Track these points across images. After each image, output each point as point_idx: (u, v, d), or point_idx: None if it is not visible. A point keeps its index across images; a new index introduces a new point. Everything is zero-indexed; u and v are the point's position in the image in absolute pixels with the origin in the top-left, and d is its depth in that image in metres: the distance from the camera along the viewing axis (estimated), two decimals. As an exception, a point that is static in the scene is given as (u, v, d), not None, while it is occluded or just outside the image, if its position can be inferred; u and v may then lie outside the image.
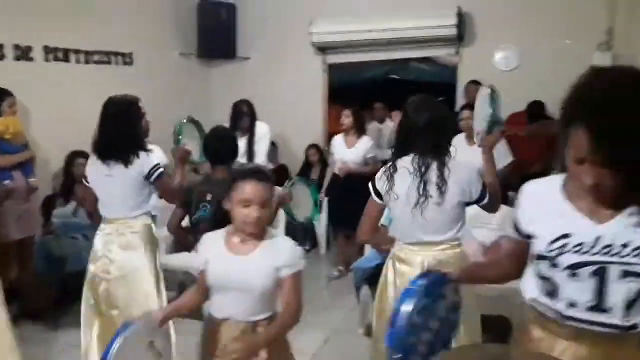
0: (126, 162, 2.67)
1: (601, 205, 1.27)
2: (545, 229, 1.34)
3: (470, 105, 4.10)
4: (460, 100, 5.32)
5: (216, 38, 5.85)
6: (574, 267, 1.28)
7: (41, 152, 4.11)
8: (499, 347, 1.52)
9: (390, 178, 2.22)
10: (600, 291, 1.27)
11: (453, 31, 5.19)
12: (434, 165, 2.15)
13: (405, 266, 2.25)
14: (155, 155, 2.86)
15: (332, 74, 5.95)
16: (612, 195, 1.24)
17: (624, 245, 1.24)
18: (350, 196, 4.54)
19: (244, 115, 4.53)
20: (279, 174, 5.14)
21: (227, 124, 4.79)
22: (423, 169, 2.15)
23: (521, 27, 5.16)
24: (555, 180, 1.37)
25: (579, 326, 1.30)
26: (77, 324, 3.61)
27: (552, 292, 1.34)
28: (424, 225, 2.19)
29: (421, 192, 2.14)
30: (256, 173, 1.84)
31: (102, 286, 2.82)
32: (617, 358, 1.30)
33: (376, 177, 2.28)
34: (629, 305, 1.26)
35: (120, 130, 2.69)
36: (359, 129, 4.60)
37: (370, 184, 2.30)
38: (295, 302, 1.83)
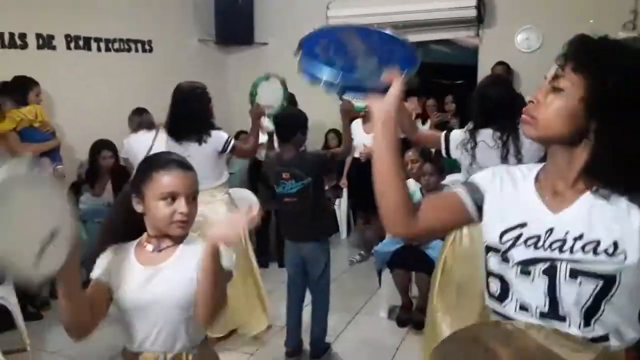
0: (200, 141, 3.04)
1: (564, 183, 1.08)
2: (498, 214, 1.15)
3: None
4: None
5: (234, 24, 5.85)
6: (525, 264, 1.08)
7: (65, 139, 4.19)
8: (515, 323, 1.31)
9: (471, 151, 2.40)
10: (553, 294, 1.05)
11: (473, 13, 5.11)
12: (511, 138, 2.33)
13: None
14: (223, 133, 3.20)
15: (350, 58, 5.91)
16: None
17: (578, 238, 1.03)
18: (370, 181, 4.57)
19: None
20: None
21: (247, 110, 4.82)
22: (505, 139, 2.34)
23: (543, 7, 5.06)
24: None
25: (532, 334, 1.04)
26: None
27: (502, 293, 1.13)
28: None
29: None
30: (177, 160, 1.48)
31: None
32: None
33: (449, 147, 2.51)
34: (588, 312, 1.03)
35: (193, 113, 3.06)
36: None
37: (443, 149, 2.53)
38: (211, 312, 1.37)
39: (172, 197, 1.40)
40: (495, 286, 1.14)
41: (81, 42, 4.53)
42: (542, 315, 1.06)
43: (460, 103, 5.07)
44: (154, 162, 1.46)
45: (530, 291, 1.07)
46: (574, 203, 1.06)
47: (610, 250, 1.00)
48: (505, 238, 1.11)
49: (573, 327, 1.04)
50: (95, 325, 1.36)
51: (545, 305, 1.06)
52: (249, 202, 4.39)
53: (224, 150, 3.15)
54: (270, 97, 3.45)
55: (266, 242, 4.80)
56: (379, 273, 3.61)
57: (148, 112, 4.24)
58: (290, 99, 3.75)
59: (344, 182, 4.77)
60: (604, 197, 1.03)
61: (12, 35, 3.98)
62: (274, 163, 3.01)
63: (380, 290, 3.71)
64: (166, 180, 1.40)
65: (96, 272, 1.42)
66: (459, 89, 6.12)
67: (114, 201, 2.14)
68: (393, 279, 3.52)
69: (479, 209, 1.18)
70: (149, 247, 1.45)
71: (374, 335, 3.41)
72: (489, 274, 1.15)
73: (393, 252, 3.42)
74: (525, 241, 1.08)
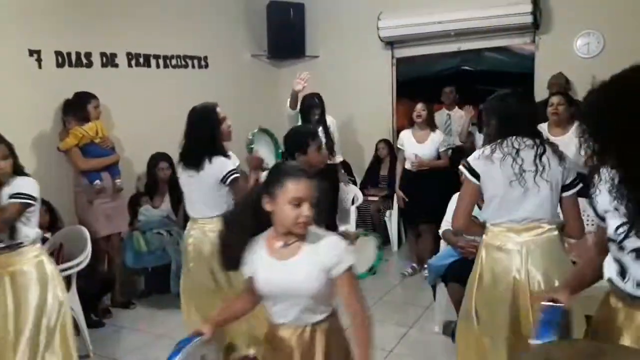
0: (197, 167, 2.77)
1: None
2: (613, 212, 1.43)
3: (562, 92, 4.15)
4: (538, 91, 5.08)
5: (286, 38, 5.95)
6: (638, 251, 1.39)
7: (124, 153, 4.38)
8: (590, 343, 1.47)
9: (490, 158, 2.24)
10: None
11: (528, 19, 4.96)
12: (532, 145, 2.22)
13: (502, 253, 2.23)
14: (232, 161, 2.86)
15: (400, 67, 5.88)
16: None
17: None
18: (421, 192, 4.51)
19: (314, 107, 4.61)
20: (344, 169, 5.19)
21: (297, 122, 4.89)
22: (540, 151, 2.23)
23: (603, 10, 4.85)
24: None
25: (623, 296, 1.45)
26: (164, 315, 3.81)
27: (622, 272, 1.46)
28: (529, 202, 2.20)
29: (539, 168, 2.19)
30: (304, 170, 1.75)
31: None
32: None
33: (472, 157, 2.30)
34: None
35: (196, 137, 2.83)
36: (431, 124, 4.56)
37: (463, 167, 2.32)
38: (357, 303, 1.69)
39: (298, 202, 1.65)
40: (617, 268, 1.47)
41: (141, 60, 4.73)
42: None
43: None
44: (286, 171, 1.72)
45: None
46: None
47: None
48: (619, 231, 1.41)
49: None
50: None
51: None
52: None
53: (223, 181, 2.78)
54: (266, 150, 3.41)
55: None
56: (434, 287, 3.53)
57: None
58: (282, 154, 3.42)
59: (399, 194, 4.71)
60: None
61: (78, 54, 4.20)
62: None
63: (434, 304, 3.63)
64: (295, 187, 1.65)
65: (246, 270, 1.77)
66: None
67: (241, 199, 2.19)
68: (448, 292, 3.44)
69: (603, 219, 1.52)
70: (279, 243, 1.72)
71: (427, 351, 3.34)
72: (613, 259, 1.49)
73: (448, 265, 3.34)
74: (637, 233, 1.37)
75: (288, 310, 1.72)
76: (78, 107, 3.91)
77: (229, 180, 2.78)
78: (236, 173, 2.81)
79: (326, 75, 5.89)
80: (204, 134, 2.81)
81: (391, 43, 5.77)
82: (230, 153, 2.92)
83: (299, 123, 4.69)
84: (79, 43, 4.19)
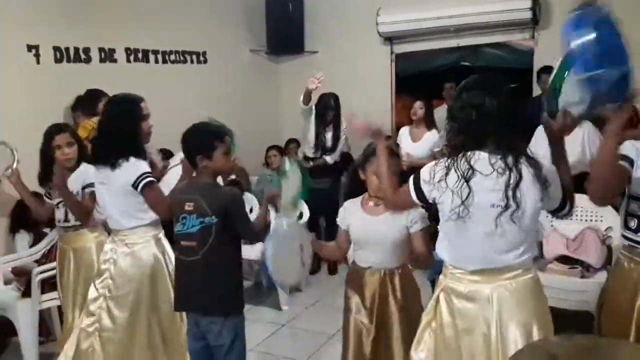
0: (113, 167, 2.43)
1: None
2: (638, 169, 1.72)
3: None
4: (537, 87, 5.09)
5: (284, 33, 5.94)
6: None
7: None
8: (588, 337, 1.57)
9: (444, 181, 1.71)
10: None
11: (527, 14, 4.96)
12: (522, 162, 1.67)
13: (469, 303, 1.77)
14: (144, 165, 2.47)
15: (400, 63, 5.87)
16: None
17: None
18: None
19: (329, 108, 4.67)
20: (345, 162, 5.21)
21: (297, 118, 4.92)
22: (509, 165, 1.64)
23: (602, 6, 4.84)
24: None
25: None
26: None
27: (636, 227, 1.75)
28: (501, 243, 1.71)
29: (505, 199, 1.64)
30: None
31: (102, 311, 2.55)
32: None
33: (423, 173, 1.78)
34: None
35: (112, 132, 2.46)
36: (428, 122, 4.55)
37: (412, 184, 1.82)
38: (427, 251, 2.18)
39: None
40: (633, 223, 1.78)
41: (140, 55, 4.72)
42: None
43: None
44: (373, 150, 2.17)
45: None
46: None
47: None
48: None
49: None
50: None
51: None
52: (299, 208, 4.43)
53: (134, 185, 2.41)
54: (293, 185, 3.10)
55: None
56: (432, 282, 3.54)
57: None
58: None
59: None
60: None
61: (76, 49, 4.20)
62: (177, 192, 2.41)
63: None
64: (376, 163, 2.12)
65: (340, 222, 2.36)
66: (514, 93, 5.94)
67: (348, 172, 2.69)
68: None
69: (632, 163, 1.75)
70: (371, 203, 2.28)
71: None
72: (629, 214, 1.79)
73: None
74: None
75: (371, 255, 2.26)
76: (88, 103, 3.92)
77: (140, 185, 2.41)
78: (149, 177, 2.43)
79: (325, 71, 5.82)
80: (124, 129, 2.44)
81: (390, 38, 5.76)
82: (153, 156, 2.68)
83: (312, 117, 4.74)
84: (77, 38, 4.18)
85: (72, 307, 2.90)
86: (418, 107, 4.53)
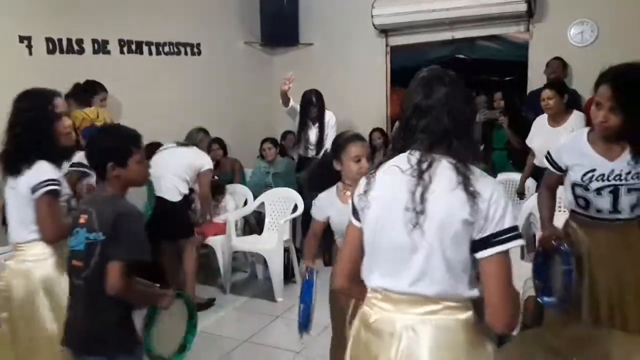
0: (17, 174, 2.12)
1: (611, 144, 2.06)
2: (579, 165, 2.12)
3: (551, 84, 3.95)
4: (532, 80, 5.10)
5: (279, 25, 5.91)
6: (598, 190, 2.08)
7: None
8: (581, 327, 1.60)
9: (369, 183, 1.44)
10: (615, 201, 2.07)
11: (523, 7, 4.95)
12: (443, 164, 1.34)
13: (372, 335, 1.41)
14: (51, 171, 2.12)
15: (395, 56, 5.87)
16: (616, 135, 2.00)
17: (627, 173, 2.04)
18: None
19: (312, 105, 4.66)
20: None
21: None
22: (425, 166, 1.34)
23: (597, -1, 4.85)
24: (581, 134, 2.18)
25: (603, 222, 2.12)
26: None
27: (585, 205, 2.13)
28: (414, 264, 1.35)
29: (416, 202, 1.32)
30: (358, 135, 2.37)
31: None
32: (625, 235, 2.12)
33: (359, 186, 1.49)
34: (632, 207, 2.07)
35: (20, 132, 2.15)
36: None
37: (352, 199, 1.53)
38: None
39: (358, 159, 2.26)
40: (582, 202, 2.14)
41: (134, 46, 4.69)
42: (609, 212, 2.09)
43: (510, 100, 4.94)
44: (346, 138, 2.32)
45: (603, 202, 2.09)
46: (619, 156, 2.07)
47: None
48: (584, 178, 2.10)
49: (624, 214, 2.09)
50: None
51: (610, 207, 2.09)
52: (293, 201, 4.44)
53: (33, 191, 2.07)
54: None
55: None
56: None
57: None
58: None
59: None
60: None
61: (69, 41, 4.16)
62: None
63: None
64: (355, 149, 2.27)
65: (316, 214, 2.42)
66: (509, 86, 5.96)
67: (318, 162, 2.86)
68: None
69: (564, 170, 2.20)
70: (348, 193, 2.26)
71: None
72: (577, 197, 2.15)
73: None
74: (597, 178, 2.08)
75: None
76: (84, 93, 3.92)
77: (38, 192, 2.06)
78: (52, 186, 2.08)
79: (320, 63, 5.88)
80: (34, 129, 2.13)
81: (385, 31, 5.75)
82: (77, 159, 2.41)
83: (297, 118, 4.75)
84: (70, 29, 4.15)
85: None
86: None
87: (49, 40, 4.01)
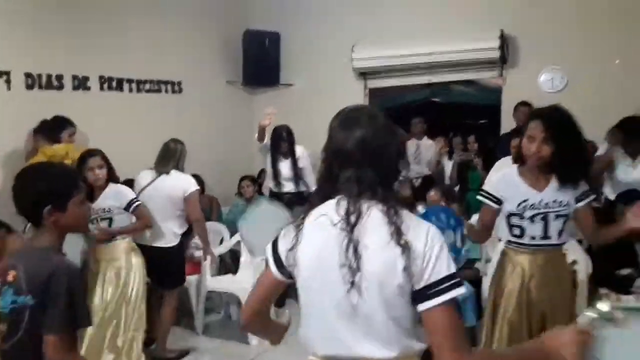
0: None
1: (539, 176, 2.30)
2: (512, 197, 2.33)
3: (519, 131, 4.02)
4: (505, 123, 5.25)
5: (261, 66, 6.01)
6: (532, 217, 2.30)
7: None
8: None
9: (297, 237, 1.33)
10: (546, 228, 2.30)
11: (496, 54, 5.14)
12: (373, 214, 1.27)
13: None
14: None
15: (373, 98, 5.99)
16: (546, 164, 2.24)
17: (554, 201, 2.28)
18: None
19: (282, 140, 4.68)
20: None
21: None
22: (354, 219, 1.26)
23: (567, 48, 5.07)
24: (511, 169, 2.41)
25: (537, 248, 2.34)
26: None
27: (520, 234, 2.34)
28: (356, 324, 1.27)
29: (350, 260, 1.24)
30: None
31: None
32: (553, 259, 2.38)
33: (286, 237, 1.37)
34: (559, 232, 2.32)
35: None
36: None
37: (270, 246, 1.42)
38: None
39: None
40: (517, 231, 2.35)
41: (114, 83, 4.71)
42: (541, 238, 2.32)
43: (484, 142, 5.07)
44: None
45: (535, 229, 2.32)
46: (546, 187, 2.30)
47: (567, 204, 2.29)
48: (519, 207, 2.31)
49: (553, 240, 2.33)
50: None
51: (542, 233, 2.31)
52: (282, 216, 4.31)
53: None
54: None
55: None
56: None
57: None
58: None
59: None
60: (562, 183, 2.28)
61: (49, 76, 4.16)
62: None
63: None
64: None
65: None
66: (482, 129, 6.11)
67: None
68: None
69: (499, 202, 2.38)
70: None
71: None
72: (512, 226, 2.36)
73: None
74: (529, 207, 2.30)
75: None
76: (52, 129, 3.87)
77: None
78: None
79: (300, 103, 5.96)
80: None
81: (364, 74, 5.88)
82: None
83: (268, 154, 4.75)
84: (50, 65, 4.16)
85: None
86: None
87: (28, 75, 4.02)
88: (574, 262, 3.17)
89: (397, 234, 1.22)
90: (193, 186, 3.69)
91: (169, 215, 3.61)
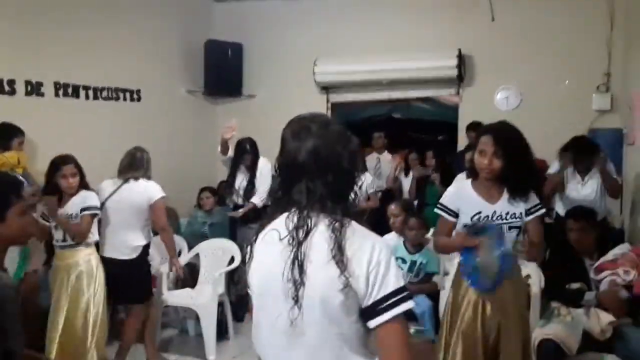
0: None
1: (491, 190, 2.39)
2: (466, 209, 2.41)
3: (472, 146, 4.14)
4: (462, 140, 5.39)
5: (223, 76, 5.98)
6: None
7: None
8: None
9: (250, 254, 1.33)
10: (501, 239, 2.34)
11: (454, 72, 5.30)
12: (320, 228, 1.23)
13: None
14: None
15: (335, 112, 6.05)
16: (497, 177, 2.33)
17: (507, 213, 2.36)
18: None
19: (246, 153, 4.59)
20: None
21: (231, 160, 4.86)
22: (301, 234, 1.23)
23: (521, 68, 5.28)
24: (465, 182, 2.50)
25: None
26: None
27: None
28: (298, 341, 1.25)
29: (295, 275, 1.22)
30: None
31: None
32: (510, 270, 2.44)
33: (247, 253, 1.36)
34: (514, 244, 2.38)
35: None
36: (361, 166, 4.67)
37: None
38: None
39: None
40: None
41: (70, 90, 4.57)
42: None
43: (442, 158, 5.18)
44: None
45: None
46: (499, 200, 2.39)
47: (519, 216, 2.38)
48: (474, 219, 2.39)
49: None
50: None
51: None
52: (230, 252, 4.35)
53: None
54: None
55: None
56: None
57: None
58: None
59: None
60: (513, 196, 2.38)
61: (0, 81, 4.01)
62: None
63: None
64: None
65: None
66: (440, 145, 6.26)
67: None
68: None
69: (456, 214, 2.47)
70: None
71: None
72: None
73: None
74: (483, 219, 2.38)
75: None
76: (1, 137, 3.71)
77: None
78: None
79: (262, 115, 5.94)
80: None
81: (327, 88, 5.94)
82: None
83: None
84: (1, 69, 4.00)
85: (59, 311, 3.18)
86: None
87: (-23, 79, 3.85)
88: (528, 277, 3.28)
89: (338, 251, 1.18)
90: (159, 193, 3.59)
91: (132, 226, 3.51)
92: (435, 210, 2.54)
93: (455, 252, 2.66)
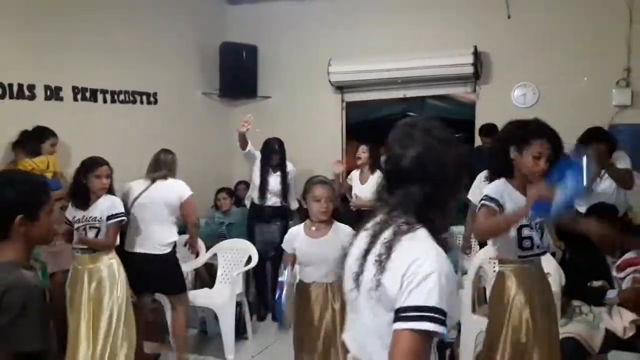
0: None
1: (524, 188, 2.37)
2: (509, 205, 2.37)
3: (489, 149, 4.11)
4: (479, 137, 5.33)
5: (238, 78, 6.01)
6: (537, 225, 2.43)
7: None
8: None
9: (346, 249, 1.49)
10: (542, 235, 2.42)
11: (470, 69, 5.25)
12: (391, 229, 1.30)
13: None
14: None
15: (350, 111, 6.04)
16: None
17: None
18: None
19: (274, 152, 4.66)
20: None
21: (246, 161, 4.90)
22: (377, 230, 1.34)
23: (539, 64, 5.21)
24: (504, 183, 2.44)
25: (534, 258, 2.46)
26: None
27: (530, 245, 2.41)
28: (360, 323, 1.37)
29: (358, 264, 1.36)
30: (322, 180, 2.81)
31: None
32: (540, 268, 2.51)
33: None
34: (542, 240, 2.45)
35: None
36: (373, 165, 4.65)
37: None
38: None
39: (318, 200, 2.74)
40: (528, 243, 2.44)
41: (88, 94, 4.64)
42: (537, 247, 2.46)
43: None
44: (312, 182, 2.81)
45: (537, 237, 2.47)
46: None
47: None
48: (528, 216, 2.36)
49: (543, 247, 2.51)
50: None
51: (539, 242, 2.48)
52: (247, 252, 4.38)
53: None
54: None
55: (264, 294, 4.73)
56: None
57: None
58: None
59: None
60: None
61: (20, 86, 4.08)
62: None
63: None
64: (317, 191, 2.75)
65: (285, 246, 2.89)
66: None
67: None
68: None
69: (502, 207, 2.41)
70: (314, 228, 2.80)
71: None
72: (523, 238, 2.41)
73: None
74: (532, 216, 2.38)
75: (314, 272, 2.76)
76: (33, 141, 3.80)
77: None
78: None
79: (278, 116, 5.97)
80: None
81: (341, 87, 5.93)
82: None
83: (258, 162, 4.71)
84: (21, 74, 4.08)
85: (81, 320, 3.17)
86: (362, 151, 4.68)
87: (-1, 84, 3.92)
88: (547, 274, 3.24)
89: (385, 253, 1.26)
90: (188, 191, 3.76)
91: (164, 222, 3.65)
92: (481, 202, 2.45)
93: (504, 230, 2.37)
